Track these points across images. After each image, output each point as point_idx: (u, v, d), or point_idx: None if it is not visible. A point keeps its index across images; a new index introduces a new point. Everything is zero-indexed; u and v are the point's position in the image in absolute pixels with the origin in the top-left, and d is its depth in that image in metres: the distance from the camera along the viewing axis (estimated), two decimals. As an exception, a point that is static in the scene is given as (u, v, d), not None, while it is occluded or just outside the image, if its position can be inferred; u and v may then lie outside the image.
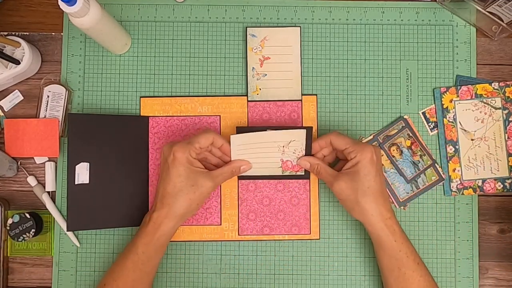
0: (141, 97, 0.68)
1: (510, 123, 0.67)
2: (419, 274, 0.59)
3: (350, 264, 0.67)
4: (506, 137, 0.67)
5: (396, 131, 0.67)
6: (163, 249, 0.61)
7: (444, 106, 0.68)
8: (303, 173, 0.65)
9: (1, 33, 0.68)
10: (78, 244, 0.66)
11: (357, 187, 0.58)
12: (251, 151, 0.62)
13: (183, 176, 0.59)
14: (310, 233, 0.67)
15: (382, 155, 0.67)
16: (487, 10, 0.65)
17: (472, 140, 0.67)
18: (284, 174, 0.65)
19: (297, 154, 0.63)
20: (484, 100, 0.67)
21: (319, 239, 0.67)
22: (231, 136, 0.61)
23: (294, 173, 0.65)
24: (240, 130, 0.62)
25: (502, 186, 0.67)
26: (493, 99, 0.67)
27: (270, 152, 0.63)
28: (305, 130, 0.61)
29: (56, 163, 0.67)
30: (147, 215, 0.61)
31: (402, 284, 0.59)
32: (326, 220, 0.67)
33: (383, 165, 0.67)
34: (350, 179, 0.59)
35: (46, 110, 0.67)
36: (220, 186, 0.67)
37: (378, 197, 0.59)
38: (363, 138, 0.68)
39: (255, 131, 0.61)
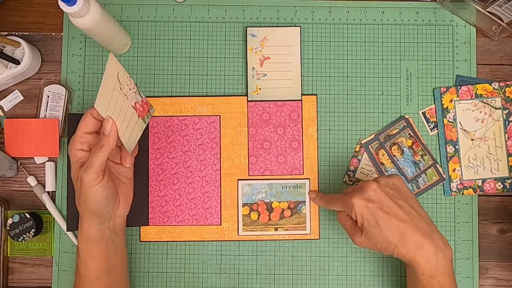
0: (141, 97, 0.68)
1: (510, 123, 0.67)
2: None
3: (350, 264, 0.67)
4: (506, 137, 0.67)
5: (397, 130, 0.67)
6: (95, 251, 0.57)
7: (444, 106, 0.68)
8: (154, 109, 0.59)
9: (1, 33, 0.68)
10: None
11: (372, 238, 0.54)
12: (117, 112, 0.55)
13: (72, 175, 0.56)
14: (310, 233, 0.67)
15: (383, 155, 0.67)
16: (487, 10, 0.65)
17: (472, 140, 0.67)
18: (146, 121, 0.58)
19: (132, 88, 0.55)
20: (484, 100, 0.67)
21: (319, 239, 0.67)
22: (94, 106, 0.53)
23: (150, 115, 0.58)
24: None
25: (502, 186, 0.67)
26: (493, 99, 0.67)
27: (123, 105, 0.55)
28: (110, 53, 0.52)
29: (56, 163, 0.67)
30: None
31: None
32: (326, 220, 0.67)
33: (383, 164, 0.67)
34: (364, 234, 0.55)
35: (46, 110, 0.67)
36: (220, 186, 0.67)
37: (401, 236, 0.53)
38: (362, 139, 0.68)
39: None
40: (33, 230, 0.63)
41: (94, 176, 0.53)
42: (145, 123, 0.59)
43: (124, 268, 0.61)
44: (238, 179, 0.67)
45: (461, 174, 0.67)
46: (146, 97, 0.68)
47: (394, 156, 0.67)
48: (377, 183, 0.56)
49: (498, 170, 0.67)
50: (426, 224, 0.55)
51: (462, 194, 0.67)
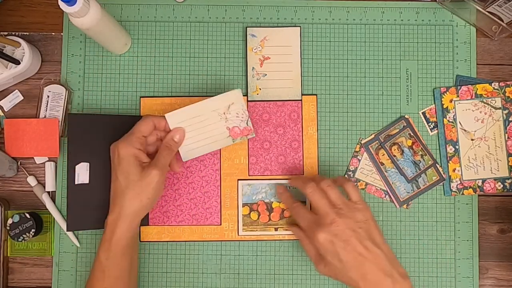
0: (141, 97, 0.68)
1: (510, 123, 0.67)
2: None
3: (350, 264, 0.67)
4: (506, 137, 0.67)
5: (397, 130, 0.67)
6: (128, 251, 0.58)
7: (444, 106, 0.68)
8: (254, 135, 0.63)
9: (1, 33, 0.68)
10: (78, 244, 0.66)
11: (335, 272, 0.57)
12: (194, 126, 0.61)
13: (127, 173, 0.57)
14: (310, 233, 0.67)
15: (383, 155, 0.67)
16: (487, 10, 0.65)
17: (472, 140, 0.67)
18: (235, 142, 0.63)
19: (241, 117, 0.61)
20: (484, 100, 0.67)
21: (319, 239, 0.67)
22: (166, 115, 0.60)
23: (245, 138, 0.63)
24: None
25: (502, 186, 0.67)
26: (493, 99, 0.67)
27: (213, 123, 0.61)
28: (239, 89, 0.61)
29: (56, 163, 0.67)
30: (106, 220, 0.59)
31: None
32: (326, 220, 0.67)
33: (383, 163, 0.67)
34: (326, 265, 0.57)
35: (46, 110, 0.67)
36: (220, 186, 0.67)
37: (362, 274, 0.55)
38: (362, 139, 0.68)
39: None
40: (33, 230, 0.63)
41: (165, 175, 0.59)
42: (233, 142, 0.63)
43: (137, 267, 0.63)
44: (238, 179, 0.67)
45: (461, 174, 0.67)
46: (147, 97, 0.68)
47: (394, 156, 0.67)
48: (344, 221, 0.56)
49: (498, 170, 0.67)
50: (388, 262, 0.56)
51: (462, 194, 0.67)
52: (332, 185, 0.59)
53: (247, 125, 0.62)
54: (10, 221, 0.63)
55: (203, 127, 0.61)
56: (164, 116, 0.60)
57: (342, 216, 0.56)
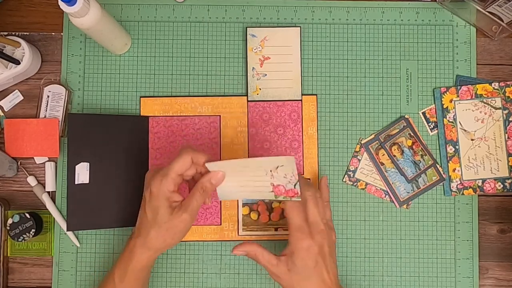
0: (141, 97, 0.68)
1: (510, 123, 0.67)
2: None
3: (350, 264, 0.67)
4: (506, 137, 0.67)
5: (397, 130, 0.67)
6: (142, 275, 0.58)
7: (444, 106, 0.68)
8: (300, 199, 0.57)
9: (1, 33, 0.68)
10: (78, 244, 0.66)
11: (296, 279, 0.57)
12: (236, 177, 0.57)
13: (155, 213, 0.55)
14: (310, 233, 0.67)
15: (384, 155, 0.67)
16: (487, 10, 0.65)
17: (472, 140, 0.67)
18: (277, 199, 0.58)
19: (289, 179, 0.56)
20: (484, 100, 0.67)
21: (319, 239, 0.67)
22: (206, 164, 0.56)
23: (289, 199, 0.58)
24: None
25: (502, 186, 0.67)
26: (493, 99, 0.67)
27: (257, 175, 0.57)
28: (293, 157, 0.55)
29: (56, 163, 0.67)
30: (128, 240, 0.59)
31: None
32: (326, 220, 0.67)
33: (383, 163, 0.67)
34: (289, 270, 0.57)
35: (46, 110, 0.67)
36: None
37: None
38: (362, 139, 0.68)
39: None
40: (33, 230, 0.63)
41: (194, 219, 0.57)
42: (275, 198, 0.58)
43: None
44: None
45: (461, 174, 0.67)
46: (147, 97, 0.68)
47: (394, 156, 0.67)
48: (325, 237, 0.57)
49: (498, 170, 0.67)
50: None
51: (462, 194, 0.67)
52: (329, 205, 0.63)
53: (295, 187, 0.57)
54: (10, 221, 0.63)
55: (246, 176, 0.57)
56: (205, 165, 0.56)
57: (326, 231, 0.58)
